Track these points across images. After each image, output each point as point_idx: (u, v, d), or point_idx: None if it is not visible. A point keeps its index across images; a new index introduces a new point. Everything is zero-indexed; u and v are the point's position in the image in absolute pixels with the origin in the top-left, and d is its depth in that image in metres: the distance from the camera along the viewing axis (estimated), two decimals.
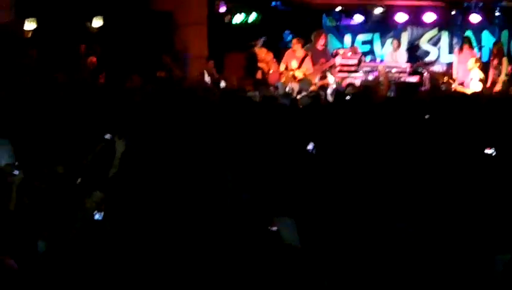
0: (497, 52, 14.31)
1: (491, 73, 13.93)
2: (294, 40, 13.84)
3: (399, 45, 16.02)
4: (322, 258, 3.83)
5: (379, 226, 4.44)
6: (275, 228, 3.68)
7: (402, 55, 15.70)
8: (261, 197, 4.49)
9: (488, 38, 16.25)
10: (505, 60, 13.92)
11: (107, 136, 5.71)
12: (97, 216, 4.39)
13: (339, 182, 5.08)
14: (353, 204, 4.76)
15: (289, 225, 3.71)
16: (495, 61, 14.15)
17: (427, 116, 7.18)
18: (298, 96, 9.80)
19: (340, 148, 5.89)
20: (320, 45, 13.74)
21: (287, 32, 17.15)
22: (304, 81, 11.47)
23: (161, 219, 4.34)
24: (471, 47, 14.78)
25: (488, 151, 5.66)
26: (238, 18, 15.80)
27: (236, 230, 3.92)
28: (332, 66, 13.95)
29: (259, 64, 13.70)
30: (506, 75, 13.82)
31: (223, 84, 9.55)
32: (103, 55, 12.30)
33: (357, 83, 13.95)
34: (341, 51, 14.95)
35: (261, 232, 3.68)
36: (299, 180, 5.07)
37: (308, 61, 13.19)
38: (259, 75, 13.59)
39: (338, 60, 13.99)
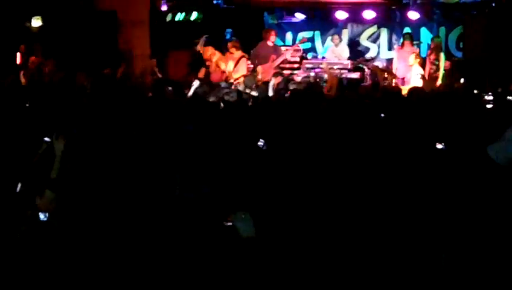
0: (435, 46, 14.55)
1: (428, 68, 14.17)
2: (230, 44, 13.87)
3: (340, 40, 16.19)
4: (278, 250, 3.88)
5: (329, 220, 4.53)
6: (230, 223, 3.69)
7: (344, 50, 15.88)
8: (216, 193, 4.52)
9: (426, 35, 16.62)
10: (442, 55, 14.19)
11: (46, 138, 5.62)
12: (42, 217, 4.34)
13: (291, 177, 5.15)
14: (304, 198, 4.84)
15: (245, 219, 3.73)
16: (432, 56, 14.39)
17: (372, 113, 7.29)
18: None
19: (289, 144, 5.95)
20: (271, 41, 13.82)
21: (228, 30, 17.23)
22: (249, 78, 11.49)
23: (106, 218, 4.35)
24: (411, 43, 15.03)
25: (438, 146, 5.75)
26: (179, 16, 15.79)
27: (191, 225, 3.95)
28: (285, 61, 14.05)
29: (207, 63, 13.70)
30: (444, 70, 14.09)
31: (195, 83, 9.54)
32: (45, 55, 12.14)
33: (299, 79, 14.14)
34: (283, 48, 15.09)
35: (217, 226, 3.70)
36: (252, 175, 5.11)
37: (243, 63, 13.24)
38: (201, 73, 13.57)
39: (288, 55, 14.10)
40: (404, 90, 10.07)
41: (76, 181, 4.99)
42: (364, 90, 11.61)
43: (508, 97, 7.95)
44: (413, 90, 9.05)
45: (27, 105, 7.74)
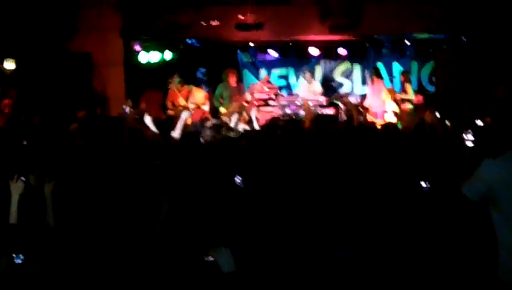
0: (404, 80, 14.70)
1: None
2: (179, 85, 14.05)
3: (312, 77, 16.28)
4: (259, 285, 3.87)
5: (308, 254, 4.53)
6: (211, 258, 3.68)
7: (316, 87, 15.97)
8: (196, 228, 4.51)
9: (398, 70, 16.81)
10: (409, 87, 14.26)
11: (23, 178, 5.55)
12: (18, 260, 4.30)
13: (269, 212, 5.15)
14: (283, 233, 4.84)
15: (225, 254, 3.73)
16: (402, 90, 14.54)
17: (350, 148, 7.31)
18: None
19: (267, 179, 5.96)
20: (232, 81, 13.84)
21: (201, 69, 17.32)
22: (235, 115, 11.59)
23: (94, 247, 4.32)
24: (379, 78, 15.14)
25: (421, 183, 5.76)
26: (153, 57, 15.82)
27: (172, 261, 3.93)
28: (249, 102, 14.09)
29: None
30: (413, 104, 14.16)
31: (147, 119, 9.46)
32: (19, 98, 12.07)
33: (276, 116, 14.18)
34: (258, 85, 15.17)
35: (198, 262, 3.69)
36: (232, 211, 5.11)
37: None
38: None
39: (255, 96, 14.17)
40: (379, 125, 10.15)
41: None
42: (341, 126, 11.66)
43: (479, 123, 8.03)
44: (387, 126, 9.12)
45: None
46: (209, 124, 9.73)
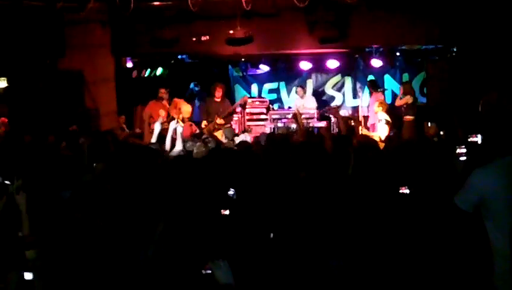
0: (404, 91, 14.74)
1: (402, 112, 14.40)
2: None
3: (304, 92, 16.35)
4: None
5: (304, 267, 4.52)
6: (209, 271, 3.68)
7: (310, 101, 16.03)
8: (194, 242, 4.49)
9: (389, 82, 16.88)
10: (410, 98, 14.35)
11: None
12: (27, 276, 4.27)
13: (267, 223, 5.14)
14: (278, 245, 4.83)
15: (223, 266, 3.72)
16: (403, 100, 14.60)
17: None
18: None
19: (260, 192, 5.95)
20: (218, 95, 13.80)
21: (193, 83, 17.36)
22: (228, 129, 11.59)
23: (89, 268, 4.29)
24: (375, 90, 15.23)
25: (403, 190, 5.77)
26: (144, 72, 15.86)
27: (170, 274, 3.91)
28: (232, 113, 14.11)
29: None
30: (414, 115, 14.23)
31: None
32: (11, 116, 12.06)
33: (267, 131, 14.21)
34: (249, 100, 15.20)
35: (196, 274, 3.68)
36: (227, 223, 5.10)
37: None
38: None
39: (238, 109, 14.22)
40: (375, 136, 10.20)
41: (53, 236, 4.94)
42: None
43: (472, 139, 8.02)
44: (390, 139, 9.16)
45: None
46: (200, 140, 9.72)
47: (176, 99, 14.21)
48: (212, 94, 13.77)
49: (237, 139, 10.41)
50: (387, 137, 11.22)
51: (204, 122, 13.31)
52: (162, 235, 4.55)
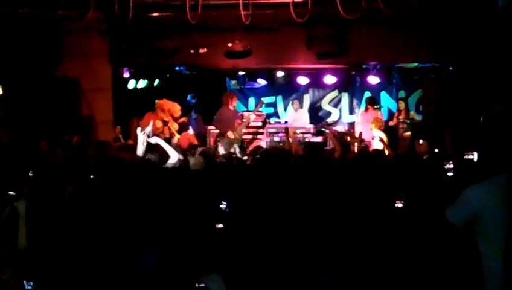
0: (403, 108, 14.97)
1: (399, 129, 14.49)
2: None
3: (300, 106, 16.40)
4: None
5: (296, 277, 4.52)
6: (202, 284, 3.67)
7: (303, 116, 16.08)
8: (188, 255, 4.49)
9: (386, 99, 16.93)
10: (412, 114, 14.50)
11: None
12: (27, 287, 4.26)
13: (259, 237, 5.14)
14: (271, 257, 4.83)
15: (216, 280, 3.71)
16: (401, 116, 14.72)
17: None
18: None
19: (253, 205, 5.96)
20: (232, 106, 13.87)
21: (190, 95, 17.36)
22: (225, 141, 11.58)
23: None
24: (373, 107, 15.28)
25: (397, 204, 5.79)
26: (142, 83, 15.86)
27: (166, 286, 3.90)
28: (248, 124, 14.17)
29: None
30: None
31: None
32: (7, 122, 12.01)
33: (264, 144, 14.21)
34: (246, 114, 15.20)
35: (190, 288, 3.66)
36: (220, 237, 5.10)
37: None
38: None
39: (252, 118, 14.23)
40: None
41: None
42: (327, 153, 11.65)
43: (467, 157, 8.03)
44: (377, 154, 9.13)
45: None
46: (198, 151, 9.68)
47: (159, 102, 14.25)
48: (226, 103, 13.82)
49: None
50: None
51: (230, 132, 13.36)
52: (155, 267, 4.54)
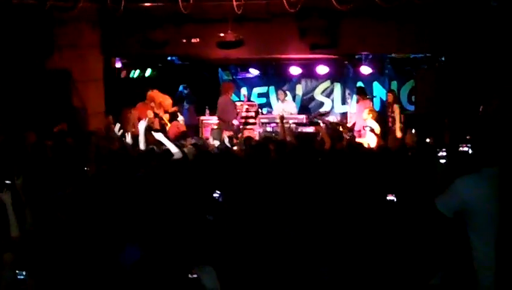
0: (390, 99, 14.90)
1: (390, 121, 14.50)
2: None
3: (285, 95, 16.39)
4: None
5: (289, 270, 4.52)
6: (195, 275, 3.67)
7: (290, 106, 16.10)
8: (180, 247, 4.49)
9: (378, 89, 16.91)
10: (396, 107, 14.48)
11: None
12: (19, 276, 4.25)
13: (253, 227, 5.14)
14: (264, 249, 4.84)
15: (209, 272, 3.72)
16: (389, 109, 14.72)
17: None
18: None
19: (250, 196, 5.96)
20: (231, 94, 13.96)
21: (182, 86, 17.31)
22: (216, 131, 11.61)
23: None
24: (364, 97, 15.28)
25: (389, 197, 5.79)
26: (134, 73, 15.81)
27: (157, 279, 3.90)
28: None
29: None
30: (401, 122, 14.32)
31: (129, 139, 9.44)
32: None
33: (256, 134, 14.22)
34: (239, 104, 15.21)
35: (182, 279, 3.66)
36: (213, 227, 5.09)
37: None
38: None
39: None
40: (364, 143, 10.24)
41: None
42: (319, 144, 11.67)
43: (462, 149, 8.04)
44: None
45: None
46: (189, 141, 9.68)
47: (150, 94, 14.22)
48: (226, 92, 13.87)
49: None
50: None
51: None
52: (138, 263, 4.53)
